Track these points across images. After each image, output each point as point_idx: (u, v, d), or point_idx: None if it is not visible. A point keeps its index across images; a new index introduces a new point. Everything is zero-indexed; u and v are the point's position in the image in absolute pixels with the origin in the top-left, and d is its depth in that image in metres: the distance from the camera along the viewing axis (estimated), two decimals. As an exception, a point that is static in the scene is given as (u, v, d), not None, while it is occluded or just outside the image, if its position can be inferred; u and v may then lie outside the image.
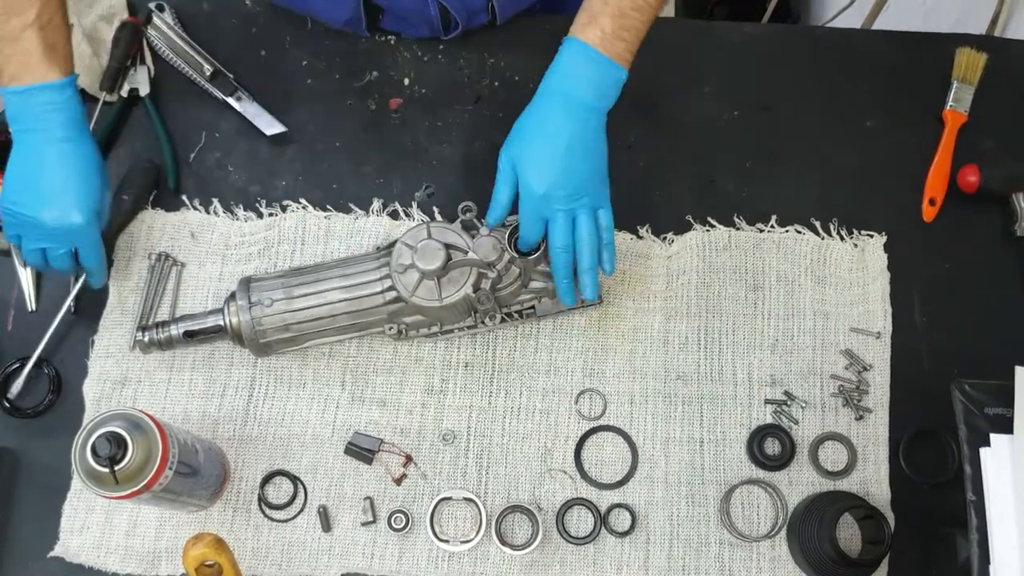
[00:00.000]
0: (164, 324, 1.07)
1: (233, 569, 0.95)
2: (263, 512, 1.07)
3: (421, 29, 1.25)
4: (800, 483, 1.09)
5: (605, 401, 1.12)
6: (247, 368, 1.12)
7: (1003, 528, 0.95)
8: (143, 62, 1.25)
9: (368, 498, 1.07)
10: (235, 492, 1.08)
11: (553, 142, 1.00)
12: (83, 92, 1.23)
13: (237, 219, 1.19)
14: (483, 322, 1.09)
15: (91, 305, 1.14)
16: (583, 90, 1.00)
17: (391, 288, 1.04)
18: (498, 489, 1.09)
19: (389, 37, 1.26)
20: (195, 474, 0.98)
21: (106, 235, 1.10)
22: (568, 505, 1.08)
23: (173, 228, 1.18)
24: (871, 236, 1.18)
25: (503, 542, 1.05)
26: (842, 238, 1.18)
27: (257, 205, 1.20)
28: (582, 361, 1.13)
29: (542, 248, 1.04)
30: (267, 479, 1.08)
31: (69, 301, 1.13)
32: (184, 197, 1.20)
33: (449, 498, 1.07)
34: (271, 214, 1.19)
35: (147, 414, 0.91)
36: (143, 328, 1.08)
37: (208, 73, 1.23)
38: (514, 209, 1.04)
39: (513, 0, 1.23)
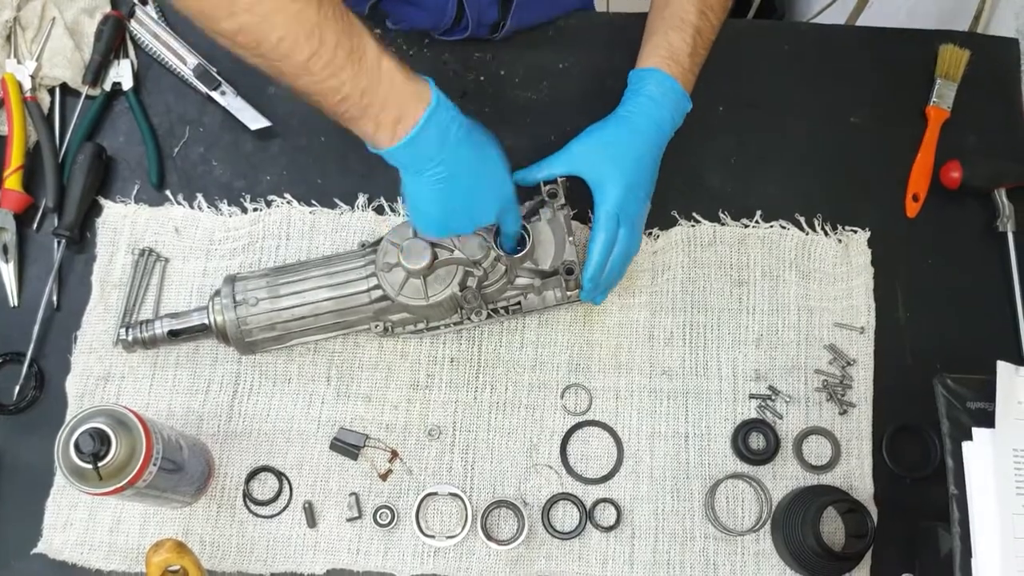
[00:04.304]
0: (148, 322, 1.07)
1: (198, 570, 0.95)
2: (248, 508, 1.07)
3: (426, 21, 1.22)
4: (784, 477, 1.10)
5: (590, 396, 1.12)
6: (232, 364, 1.12)
7: (985, 521, 0.95)
8: (126, 56, 1.24)
9: (353, 494, 1.07)
10: (220, 488, 1.08)
11: (640, 167, 1.07)
12: (65, 86, 1.23)
13: (221, 214, 1.18)
14: (469, 318, 1.09)
15: (74, 301, 1.14)
16: (667, 121, 1.08)
17: (377, 287, 1.04)
18: (483, 484, 1.09)
19: (376, 30, 1.26)
20: (179, 470, 0.97)
21: (72, 223, 1.13)
22: (553, 500, 1.08)
23: (157, 223, 1.17)
24: (855, 231, 1.18)
25: (489, 537, 1.06)
26: (826, 233, 1.19)
27: (241, 200, 1.19)
28: (567, 356, 1.13)
29: (528, 246, 1.04)
30: (252, 475, 1.08)
31: (51, 296, 1.12)
32: (168, 192, 1.19)
33: (435, 493, 1.07)
34: (255, 209, 1.18)
35: (131, 410, 0.90)
36: (127, 326, 1.07)
37: (192, 67, 1.22)
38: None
39: (523, 19, 1.23)
